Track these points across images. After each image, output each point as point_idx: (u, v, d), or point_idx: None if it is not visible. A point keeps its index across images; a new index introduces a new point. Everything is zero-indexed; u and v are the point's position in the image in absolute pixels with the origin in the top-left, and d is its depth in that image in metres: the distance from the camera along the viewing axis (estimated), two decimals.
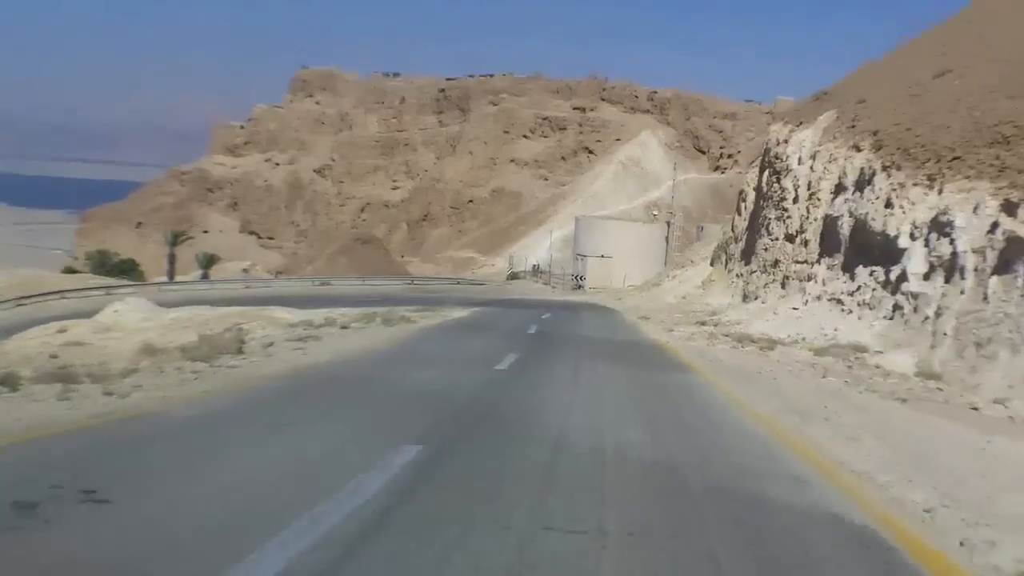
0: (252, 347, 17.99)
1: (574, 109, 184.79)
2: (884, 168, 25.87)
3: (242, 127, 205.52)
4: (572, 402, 11.03)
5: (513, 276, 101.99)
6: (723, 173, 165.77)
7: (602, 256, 73.52)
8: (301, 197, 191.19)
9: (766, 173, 39.05)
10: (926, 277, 21.42)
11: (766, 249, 35.62)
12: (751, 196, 45.95)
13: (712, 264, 51.98)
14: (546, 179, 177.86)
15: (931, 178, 23.48)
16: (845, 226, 27.48)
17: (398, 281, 78.50)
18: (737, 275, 41.72)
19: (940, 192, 22.56)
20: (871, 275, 24.31)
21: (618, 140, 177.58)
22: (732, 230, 48.51)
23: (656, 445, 8.33)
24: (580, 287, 74.27)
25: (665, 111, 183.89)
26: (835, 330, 23.49)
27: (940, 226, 21.63)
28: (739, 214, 47.71)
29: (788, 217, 33.83)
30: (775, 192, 36.07)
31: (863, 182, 26.98)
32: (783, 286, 32.28)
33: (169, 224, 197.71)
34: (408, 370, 13.78)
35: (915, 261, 22.06)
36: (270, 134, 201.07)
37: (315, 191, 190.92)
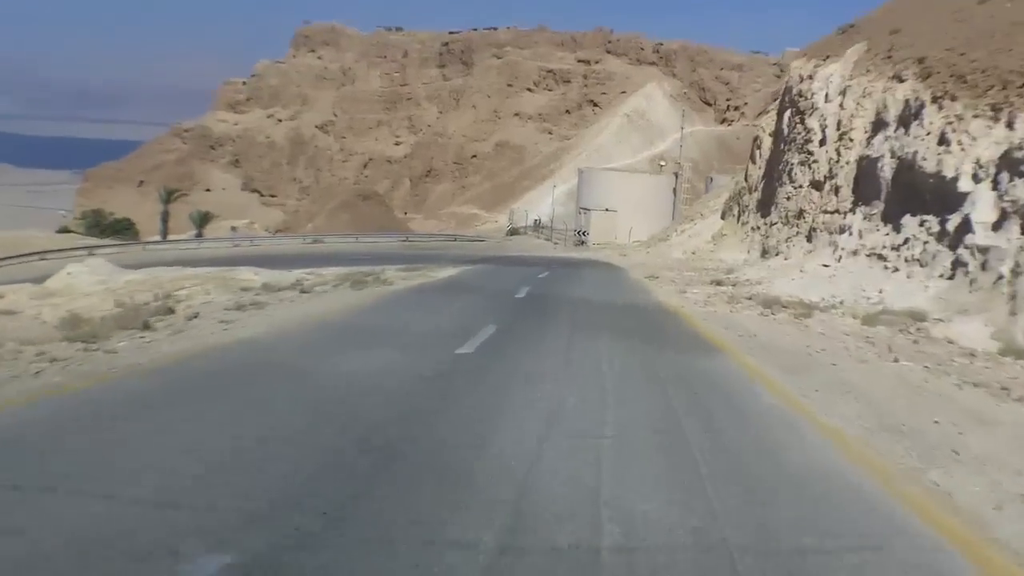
0: (174, 319, 14.40)
1: (579, 62, 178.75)
2: (935, 99, 21.77)
3: (244, 83, 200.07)
4: (552, 418, 7.13)
5: (513, 232, 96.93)
6: (729, 125, 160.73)
7: (606, 210, 68.76)
8: (303, 153, 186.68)
9: (787, 114, 34.84)
10: (996, 227, 17.47)
11: (788, 198, 31.55)
12: (767, 142, 41.82)
13: (723, 217, 47.93)
14: (550, 133, 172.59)
15: (996, 108, 19.42)
16: (886, 168, 23.43)
17: (393, 238, 74.64)
18: (753, 228, 37.70)
19: (1010, 124, 18.50)
20: (921, 225, 20.33)
21: (623, 93, 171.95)
22: (746, 179, 44.41)
23: (695, 533, 4.46)
24: (583, 243, 69.76)
25: (671, 63, 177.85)
26: (879, 292, 19.55)
27: (1012, 164, 17.63)
28: (753, 162, 43.55)
29: (814, 161, 29.73)
30: (798, 134, 31.92)
31: (908, 116, 22.90)
32: (809, 239, 28.28)
33: (171, 182, 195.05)
34: (340, 354, 10.08)
35: (981, 207, 18.09)
36: (272, 90, 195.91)
37: (317, 147, 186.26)
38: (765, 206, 36.31)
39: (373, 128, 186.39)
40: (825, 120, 29.64)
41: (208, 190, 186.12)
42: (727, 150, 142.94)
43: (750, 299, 20.44)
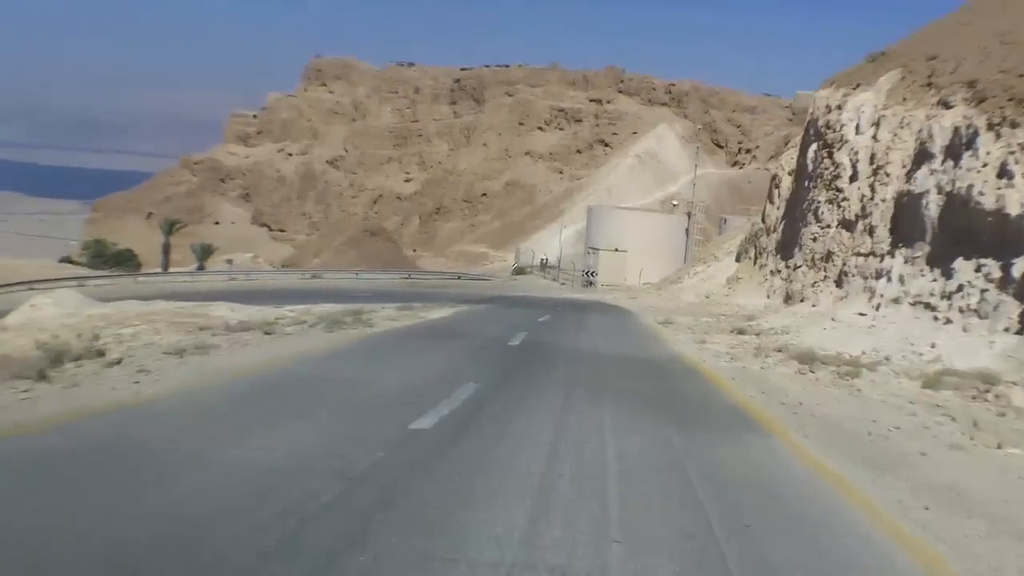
0: (90, 366, 11.77)
1: (590, 101, 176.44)
2: (991, 126, 18.98)
3: (255, 116, 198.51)
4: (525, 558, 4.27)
5: (519, 271, 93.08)
6: (741, 168, 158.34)
7: (616, 250, 65.50)
8: (313, 188, 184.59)
9: (812, 148, 32.05)
10: None
11: (814, 239, 28.67)
12: (786, 181, 39.11)
13: (738, 260, 45.12)
14: (561, 172, 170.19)
15: None
16: (932, 205, 20.60)
17: (395, 275, 71.95)
18: (773, 271, 34.86)
19: None
20: (978, 271, 17.48)
21: (635, 133, 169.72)
22: (763, 220, 41.65)
23: None
24: (591, 284, 66.31)
25: (683, 104, 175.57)
26: (932, 347, 16.66)
27: None
28: (771, 202, 40.80)
29: (844, 199, 26.88)
30: (825, 169, 29.11)
31: (958, 146, 20.10)
32: (839, 284, 25.38)
33: (181, 215, 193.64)
34: (246, 426, 7.27)
35: None
36: (283, 123, 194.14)
37: (327, 182, 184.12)
38: (786, 248, 33.47)
39: (384, 164, 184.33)
40: (856, 154, 26.83)
41: (217, 223, 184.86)
42: (738, 193, 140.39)
43: (780, 352, 17.54)
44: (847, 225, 26.26)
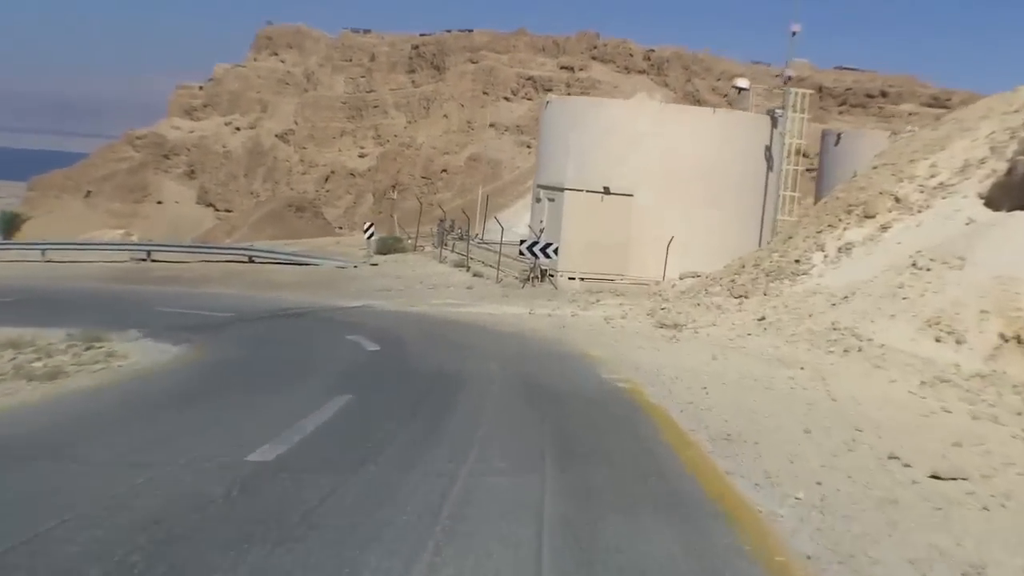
0: None
1: (561, 68, 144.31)
2: None
3: (201, 88, 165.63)
4: None
5: (394, 243, 45.64)
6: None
7: (605, 191, 26.50)
8: (262, 164, 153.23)
9: None
10: None
11: None
12: None
13: (991, 202, 12.26)
14: (529, 146, 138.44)
15: None
16: None
17: (140, 251, 38.07)
18: None
19: None
20: None
21: None
22: None
23: None
24: (543, 277, 27.53)
25: (663, 71, 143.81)
26: None
27: None
28: None
29: None
30: None
31: None
32: None
33: (122, 193, 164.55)
34: None
35: None
36: (231, 95, 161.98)
37: (276, 158, 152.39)
38: None
39: (336, 138, 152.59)
40: None
41: (160, 202, 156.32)
42: None
43: None
44: None
